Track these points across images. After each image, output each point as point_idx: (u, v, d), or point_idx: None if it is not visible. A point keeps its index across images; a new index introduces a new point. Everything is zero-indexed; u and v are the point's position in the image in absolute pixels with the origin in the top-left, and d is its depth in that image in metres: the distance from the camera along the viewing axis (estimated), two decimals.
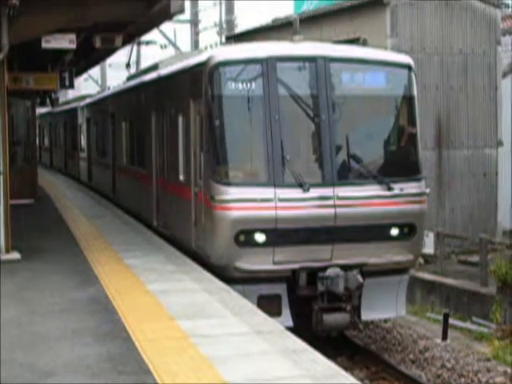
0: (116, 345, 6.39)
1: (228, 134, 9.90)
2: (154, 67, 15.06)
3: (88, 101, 24.99)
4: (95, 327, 6.98)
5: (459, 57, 18.85)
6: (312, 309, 9.96)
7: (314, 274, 9.88)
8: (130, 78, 19.09)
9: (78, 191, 22.53)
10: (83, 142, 25.37)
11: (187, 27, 34.52)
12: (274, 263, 9.78)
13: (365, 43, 17.79)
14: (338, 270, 9.80)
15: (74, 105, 28.54)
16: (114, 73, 42.41)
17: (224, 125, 9.87)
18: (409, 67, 10.67)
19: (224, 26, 32.24)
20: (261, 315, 7.46)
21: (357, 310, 10.31)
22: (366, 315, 10.46)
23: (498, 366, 11.01)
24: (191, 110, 10.98)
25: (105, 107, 20.76)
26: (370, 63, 10.50)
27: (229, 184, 9.71)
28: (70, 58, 15.88)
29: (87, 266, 10.04)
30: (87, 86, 45.77)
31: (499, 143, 19.39)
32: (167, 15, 10.66)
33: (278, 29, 21.01)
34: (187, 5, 28.84)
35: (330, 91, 10.06)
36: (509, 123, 19.49)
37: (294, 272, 9.87)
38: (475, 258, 15.85)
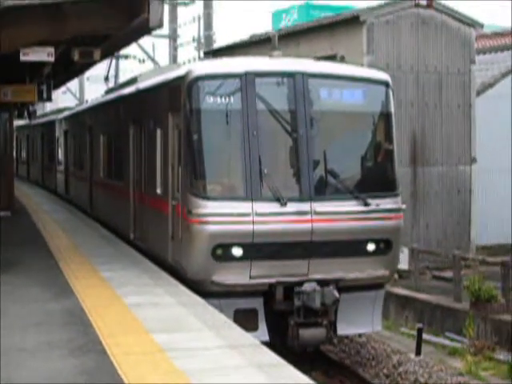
0: (91, 358, 6.36)
1: (206, 148, 9.94)
2: (133, 81, 15.09)
3: (66, 114, 24.93)
4: (70, 340, 6.95)
5: (434, 75, 19.09)
6: (288, 323, 10.00)
7: (290, 289, 9.92)
8: (108, 92, 19.08)
9: (55, 204, 22.40)
10: (60, 154, 25.27)
11: (166, 42, 34.65)
12: (251, 277, 9.80)
13: (342, 60, 17.96)
14: (314, 285, 9.84)
15: (51, 118, 28.43)
16: (93, 86, 42.34)
17: (202, 139, 9.91)
18: (386, 84, 10.79)
19: (202, 41, 32.36)
20: (237, 329, 7.46)
21: (333, 325, 10.36)
22: (342, 330, 10.50)
23: (471, 381, 11.11)
24: (169, 124, 11.01)
25: (82, 120, 20.72)
26: (348, 79, 10.61)
27: (206, 198, 9.74)
28: (49, 71, 15.83)
29: (63, 279, 9.99)
30: (65, 98, 45.65)
31: (473, 160, 19.63)
32: (146, 29, 10.68)
33: (256, 44, 21.15)
34: (166, 20, 28.89)
35: (308, 107, 10.15)
36: (482, 141, 19.73)
37: (271, 286, 9.91)
38: (449, 274, 15.98)
